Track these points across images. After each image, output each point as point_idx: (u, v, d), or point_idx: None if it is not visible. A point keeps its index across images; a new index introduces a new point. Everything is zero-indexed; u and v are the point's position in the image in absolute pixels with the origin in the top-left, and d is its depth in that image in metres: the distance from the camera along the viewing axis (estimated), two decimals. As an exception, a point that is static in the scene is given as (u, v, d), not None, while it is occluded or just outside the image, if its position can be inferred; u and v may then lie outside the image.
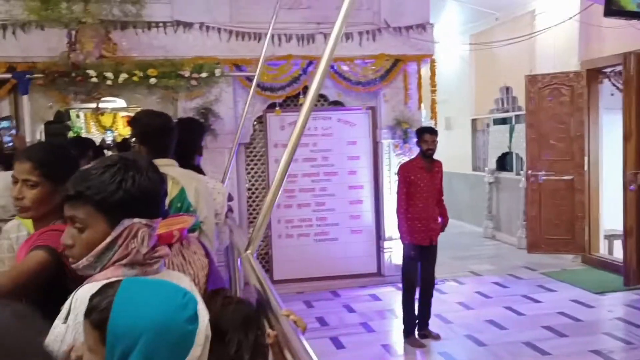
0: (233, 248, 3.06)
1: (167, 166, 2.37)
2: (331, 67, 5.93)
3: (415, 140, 4.85)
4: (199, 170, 3.32)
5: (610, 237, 6.75)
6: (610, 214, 6.57)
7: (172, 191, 2.21)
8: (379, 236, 6.29)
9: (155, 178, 1.26)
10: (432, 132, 4.65)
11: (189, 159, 2.94)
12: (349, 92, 6.13)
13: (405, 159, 6.20)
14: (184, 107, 5.60)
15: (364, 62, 6.03)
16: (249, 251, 2.19)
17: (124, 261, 1.22)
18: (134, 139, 2.49)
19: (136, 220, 1.22)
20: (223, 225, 3.18)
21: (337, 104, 6.26)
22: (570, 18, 6.38)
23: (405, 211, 4.54)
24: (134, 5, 4.39)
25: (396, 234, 6.18)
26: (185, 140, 2.78)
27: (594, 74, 6.53)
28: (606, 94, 6.64)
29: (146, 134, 2.40)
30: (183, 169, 2.53)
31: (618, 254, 6.29)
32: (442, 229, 4.74)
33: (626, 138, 5.72)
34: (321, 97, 6.25)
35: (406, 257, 4.65)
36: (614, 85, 6.41)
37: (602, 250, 6.74)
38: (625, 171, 5.73)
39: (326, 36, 5.70)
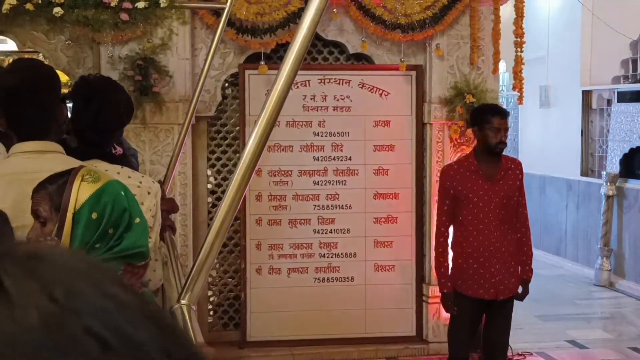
0: (163, 292, 3.00)
1: (41, 153, 2.31)
2: (353, -2, 5.87)
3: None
4: (119, 160, 3.26)
5: None
6: None
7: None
8: (422, 277, 6.25)
9: None
10: (503, 113, 4.68)
11: (99, 144, 2.89)
12: (380, 40, 6.10)
13: (467, 151, 6.15)
14: (111, 55, 5.56)
15: (406, -8, 5.96)
16: (184, 301, 2.14)
17: None
18: None
19: None
20: (155, 251, 3.10)
21: (361, 59, 6.22)
22: None
23: (445, 242, 4.64)
24: None
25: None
26: (92, 114, 2.76)
27: None
28: None
29: (11, 96, 2.39)
30: (79, 159, 2.49)
31: None
32: (524, 277, 4.70)
33: None
34: (335, 48, 6.22)
35: (452, 316, 4.75)
36: None
37: None
38: None
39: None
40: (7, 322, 0.39)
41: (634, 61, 8.41)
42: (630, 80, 8.46)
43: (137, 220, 2.24)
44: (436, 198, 6.05)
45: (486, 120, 4.57)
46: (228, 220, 2.08)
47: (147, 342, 0.41)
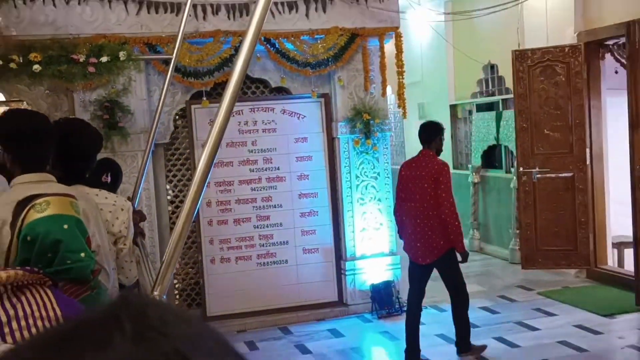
0: (139, 287, 2.95)
1: (40, 182, 2.27)
2: (272, 44, 5.88)
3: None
4: (108, 188, 3.24)
5: (619, 246, 6.91)
6: (619, 218, 6.71)
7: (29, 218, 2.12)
8: (340, 255, 6.27)
9: None
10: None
11: (78, 173, 2.85)
12: (295, 75, 6.09)
13: (369, 158, 6.23)
14: (83, 100, 5.47)
15: (312, 39, 5.99)
16: (156, 292, 2.11)
17: None
18: None
19: None
20: (128, 254, 3.07)
21: (281, 91, 6.21)
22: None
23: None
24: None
25: (362, 251, 6.20)
26: (70, 148, 2.73)
27: (593, 48, 6.66)
28: (609, 71, 6.79)
29: (12, 140, 2.33)
30: (65, 185, 2.44)
31: (629, 265, 6.42)
32: None
33: (634, 125, 5.84)
34: (261, 83, 6.22)
35: (458, 266, 4.89)
36: (618, 60, 6.55)
37: (611, 261, 6.89)
38: (633, 166, 5.85)
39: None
40: (123, 346, 0.42)
41: (486, 80, 8.63)
42: (484, 94, 8.67)
43: (82, 254, 2.22)
44: (348, 195, 6.17)
45: (442, 134, 4.89)
46: (187, 226, 2.07)
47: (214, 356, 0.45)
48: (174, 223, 5.96)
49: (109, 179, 3.58)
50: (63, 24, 5.35)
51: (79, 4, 5.41)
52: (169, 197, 6.04)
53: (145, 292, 2.74)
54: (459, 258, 4.84)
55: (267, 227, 6.14)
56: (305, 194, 6.22)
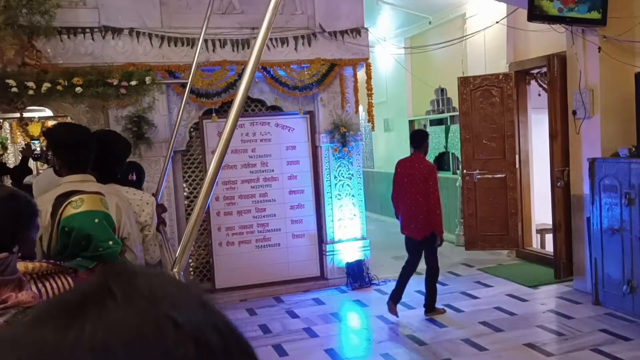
0: (162, 265, 2.94)
1: (82, 182, 2.27)
2: (267, 72, 5.88)
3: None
4: (134, 184, 3.22)
5: (542, 232, 6.99)
6: (541, 210, 6.81)
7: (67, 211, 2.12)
8: (321, 240, 6.27)
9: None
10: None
11: (112, 173, 2.83)
12: (286, 97, 6.09)
13: (345, 162, 6.26)
14: (116, 116, 5.41)
15: (300, 67, 5.99)
16: (175, 269, 2.12)
17: None
18: (49, 152, 2.42)
19: None
20: (153, 238, 3.06)
21: (275, 109, 6.20)
22: (498, 22, 6.56)
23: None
24: (43, 17, 4.16)
25: (339, 236, 6.23)
26: (106, 153, 2.69)
27: (521, 76, 6.74)
28: (534, 94, 6.88)
29: (60, 147, 2.32)
30: (102, 184, 2.42)
31: (549, 247, 6.52)
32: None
33: (552, 137, 5.93)
34: (259, 103, 6.20)
35: (436, 248, 5.00)
36: (540, 85, 6.64)
37: (535, 244, 6.97)
38: (552, 168, 5.94)
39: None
40: (116, 312, 0.38)
41: (437, 101, 8.69)
42: (436, 112, 8.73)
43: (111, 242, 2.22)
44: (328, 192, 6.19)
45: (428, 139, 5.06)
46: (200, 215, 2.09)
47: (203, 321, 0.40)
48: (189, 214, 5.96)
49: (134, 178, 3.56)
50: (100, 54, 5.32)
51: (112, 38, 5.38)
52: (184, 193, 6.01)
53: (166, 269, 2.74)
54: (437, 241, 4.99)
55: (264, 217, 6.14)
56: (294, 191, 6.22)
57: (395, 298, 5.05)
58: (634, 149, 4.83)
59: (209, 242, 5.98)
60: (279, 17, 5.70)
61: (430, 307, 5.12)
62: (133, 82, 5.14)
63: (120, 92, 5.15)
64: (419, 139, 5.05)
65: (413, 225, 4.94)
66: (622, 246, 4.81)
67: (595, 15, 4.99)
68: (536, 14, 4.90)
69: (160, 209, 3.64)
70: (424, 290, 5.17)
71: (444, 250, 7.63)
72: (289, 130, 6.19)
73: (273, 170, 6.14)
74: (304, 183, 6.23)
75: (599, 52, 5.11)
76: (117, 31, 5.38)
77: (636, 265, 4.70)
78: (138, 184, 3.59)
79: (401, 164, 5.08)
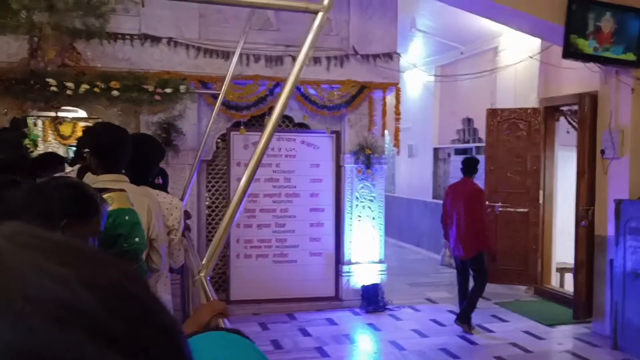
0: (187, 269, 2.96)
1: (116, 182, 2.30)
2: (298, 89, 5.93)
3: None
4: (160, 188, 3.25)
5: (562, 270, 6.88)
6: (562, 248, 6.70)
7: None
8: (338, 260, 6.24)
9: None
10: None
11: (144, 176, 2.86)
12: (314, 115, 6.13)
13: (368, 184, 6.26)
14: (146, 121, 5.49)
15: (330, 87, 6.04)
16: (202, 274, 2.13)
17: None
18: (86, 150, 2.46)
19: None
20: (178, 243, 3.09)
21: (302, 126, 6.24)
22: (531, 57, 6.57)
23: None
24: (97, 19, 4.28)
25: (356, 258, 6.21)
26: (140, 156, 2.72)
27: (551, 112, 6.71)
28: (562, 131, 6.83)
29: (99, 147, 2.36)
30: (135, 185, 2.46)
31: (569, 286, 6.41)
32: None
33: (579, 175, 5.87)
34: (286, 119, 6.24)
35: (485, 266, 5.34)
36: (570, 123, 6.60)
37: (554, 282, 6.85)
38: (577, 207, 5.86)
39: (294, 58, 5.65)
40: None
41: (463, 130, 8.68)
42: (461, 142, 8.71)
43: (137, 239, 2.23)
44: (349, 212, 6.18)
45: (477, 165, 5.47)
46: (229, 225, 2.10)
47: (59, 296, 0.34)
48: (209, 223, 6.00)
49: (160, 181, 3.61)
50: (137, 61, 5.43)
51: (150, 46, 5.50)
52: (206, 203, 6.05)
53: (191, 274, 2.76)
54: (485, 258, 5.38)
55: (283, 232, 6.14)
56: (315, 209, 6.23)
57: (462, 317, 5.34)
58: (663, 193, 4.76)
59: (227, 253, 5.99)
60: (314, 37, 5.78)
61: (464, 317, 5.32)
62: (168, 90, 5.24)
63: (154, 99, 5.25)
64: (470, 165, 5.42)
65: (462, 245, 5.23)
66: (645, 291, 4.71)
67: (630, 56, 4.98)
68: (571, 52, 4.90)
69: (186, 215, 3.67)
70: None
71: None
72: (314, 148, 6.22)
73: (295, 187, 6.16)
74: (325, 202, 6.24)
75: (632, 93, 5.08)
76: (155, 40, 5.50)
77: (659, 311, 4.59)
78: (164, 189, 3.63)
79: (452, 188, 5.47)
